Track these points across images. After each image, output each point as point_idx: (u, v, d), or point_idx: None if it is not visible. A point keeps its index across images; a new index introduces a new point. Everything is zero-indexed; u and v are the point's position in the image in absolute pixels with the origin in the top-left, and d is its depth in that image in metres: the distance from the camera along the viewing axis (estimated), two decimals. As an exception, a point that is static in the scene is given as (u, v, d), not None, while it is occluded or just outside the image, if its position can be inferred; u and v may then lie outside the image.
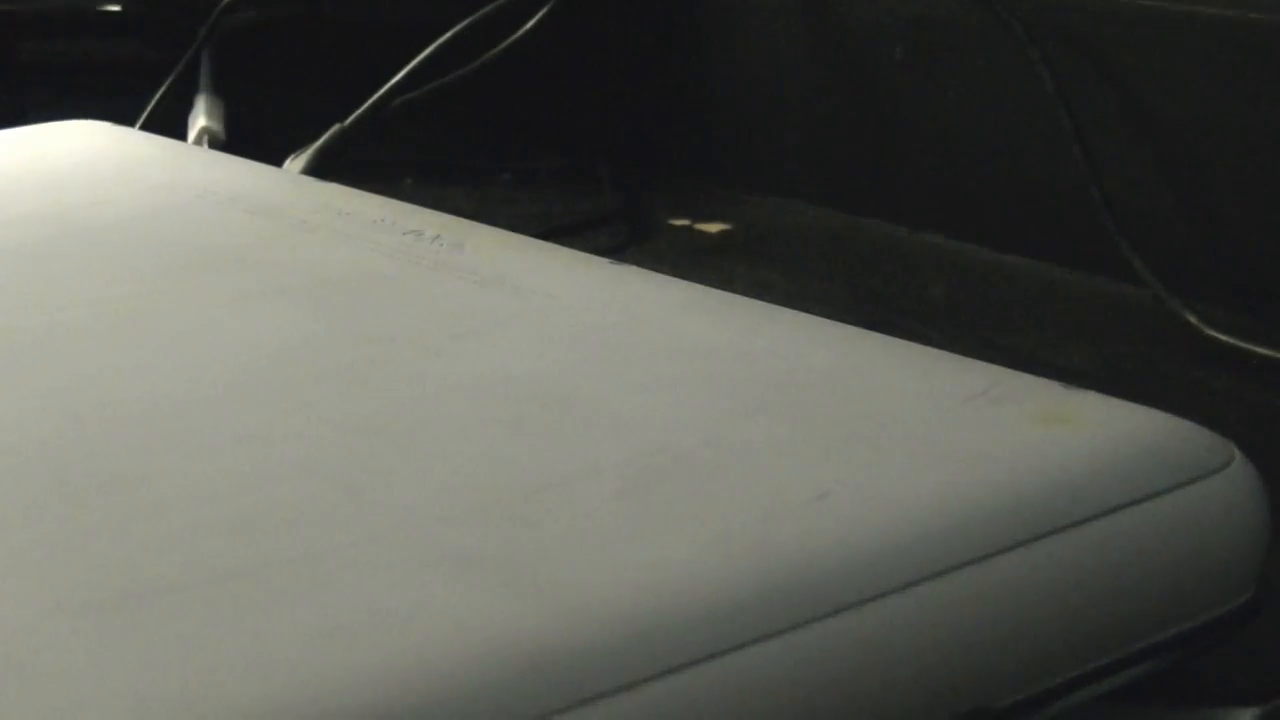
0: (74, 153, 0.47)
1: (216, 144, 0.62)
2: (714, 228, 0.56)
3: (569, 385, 0.27)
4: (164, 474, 0.24)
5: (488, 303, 0.31)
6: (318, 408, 0.27)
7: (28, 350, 0.30)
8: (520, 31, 0.56)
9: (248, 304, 0.32)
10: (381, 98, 0.54)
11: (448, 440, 0.25)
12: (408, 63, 0.56)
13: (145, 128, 0.58)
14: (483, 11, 0.55)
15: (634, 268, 0.34)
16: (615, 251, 0.52)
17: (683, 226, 0.56)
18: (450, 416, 0.26)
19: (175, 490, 0.23)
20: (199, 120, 0.64)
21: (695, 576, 0.21)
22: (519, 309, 0.31)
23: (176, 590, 0.20)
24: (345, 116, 0.55)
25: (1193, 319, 0.44)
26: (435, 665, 0.19)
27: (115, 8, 0.84)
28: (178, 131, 0.62)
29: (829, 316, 0.31)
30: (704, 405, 0.27)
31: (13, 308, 0.32)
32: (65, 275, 0.34)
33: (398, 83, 0.55)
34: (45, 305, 0.32)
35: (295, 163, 0.54)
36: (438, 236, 0.35)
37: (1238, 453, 0.25)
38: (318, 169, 0.53)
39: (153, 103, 0.65)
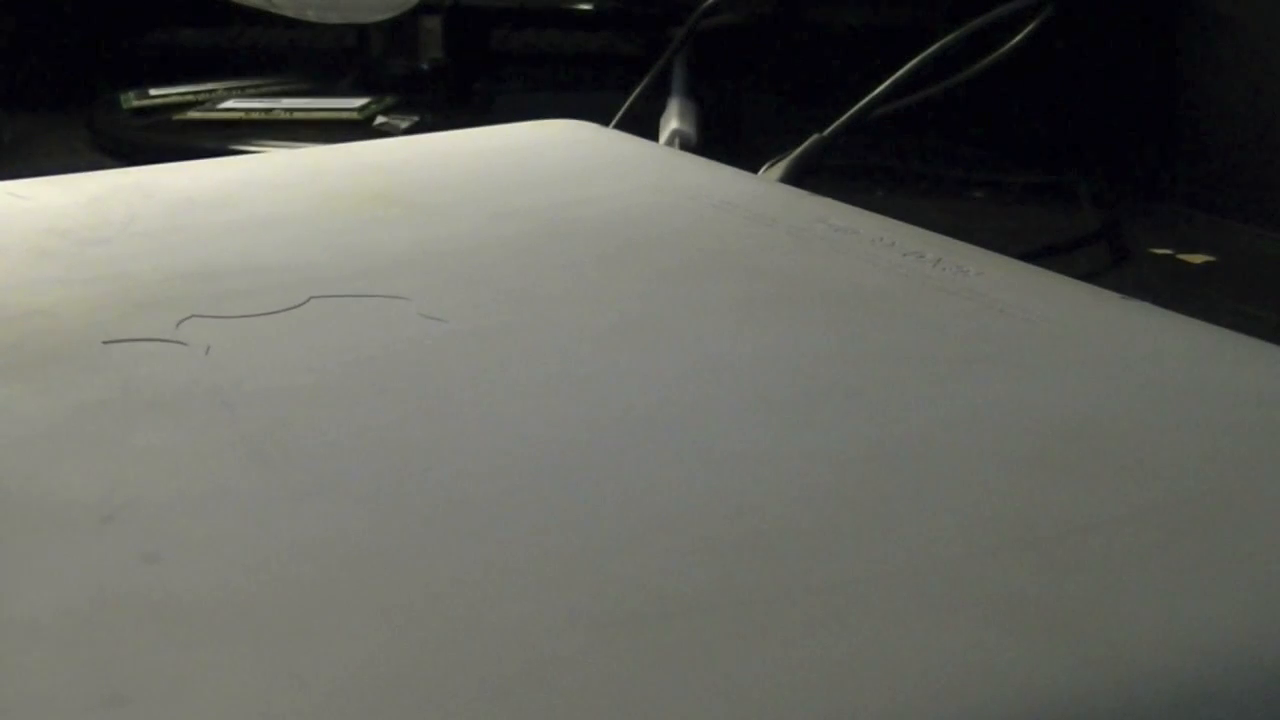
0: (560, 151, 0.48)
1: (688, 147, 0.63)
2: (1197, 259, 0.53)
3: (1089, 421, 0.26)
4: (673, 486, 0.24)
5: (998, 330, 0.31)
6: (829, 427, 0.26)
7: (527, 349, 0.30)
8: (1008, 46, 0.54)
9: (751, 313, 0.32)
10: (862, 108, 0.54)
11: (968, 470, 0.25)
12: (884, 67, 0.55)
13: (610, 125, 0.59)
14: (971, 26, 0.54)
15: (1146, 304, 0.32)
16: (1093, 277, 0.50)
17: (1165, 255, 0.53)
18: (968, 445, 0.26)
19: (688, 504, 0.23)
20: (671, 122, 0.66)
21: (1243, 645, 0.20)
22: (1031, 338, 0.30)
23: (694, 612, 0.20)
24: (814, 121, 0.55)
25: None
26: (967, 711, 0.18)
27: (587, 6, 0.87)
28: (643, 129, 0.63)
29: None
30: (1233, 452, 0.25)
31: (510, 304, 0.33)
32: (562, 274, 0.35)
33: (880, 93, 0.54)
34: (543, 303, 0.33)
35: (771, 170, 0.54)
36: (940, 260, 0.34)
37: None
38: (794, 178, 0.53)
39: (628, 102, 0.67)
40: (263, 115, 0.73)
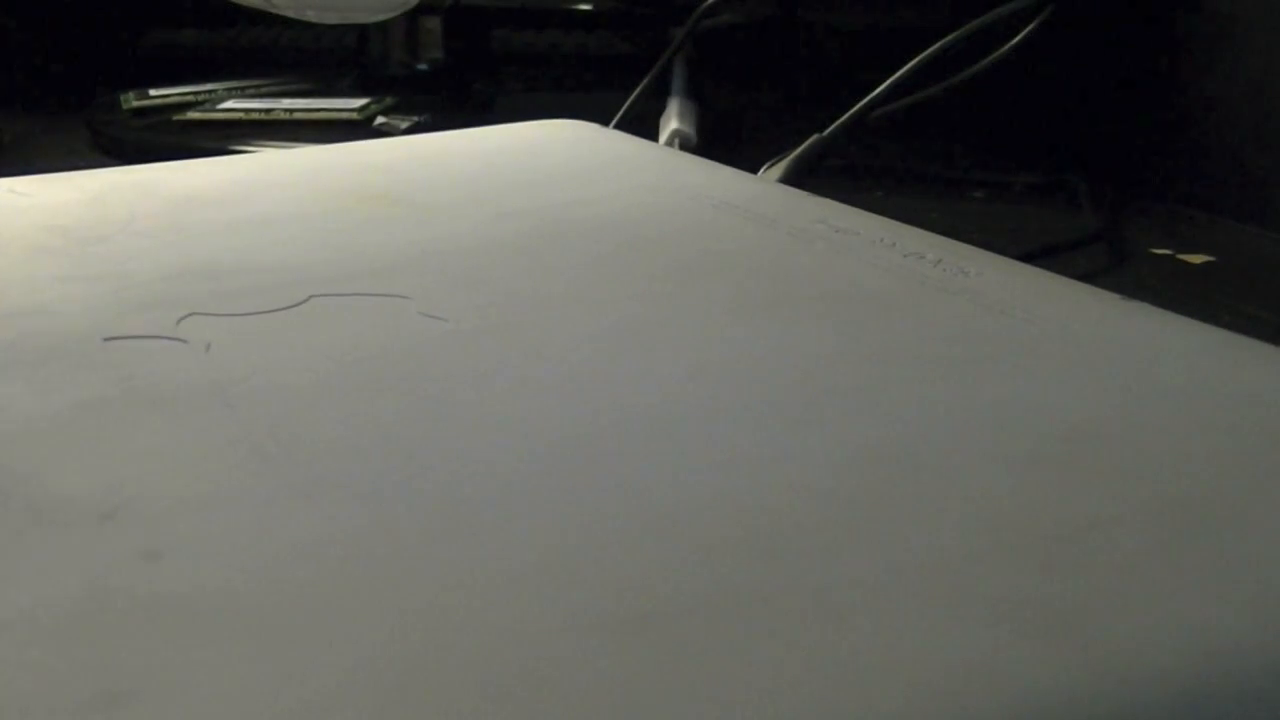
0: (560, 151, 0.48)
1: (687, 147, 0.63)
2: (1197, 259, 0.53)
3: (1089, 421, 0.26)
4: (673, 486, 0.24)
5: (998, 331, 0.31)
6: (829, 428, 0.26)
7: (527, 349, 0.30)
8: (1008, 46, 0.54)
9: (750, 314, 0.32)
10: (862, 108, 0.54)
11: (968, 470, 0.25)
12: (884, 67, 0.55)
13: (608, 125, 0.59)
14: (971, 26, 0.54)
15: (1146, 304, 0.32)
16: (1093, 277, 0.50)
17: (1164, 256, 0.53)
18: (968, 445, 0.25)
19: (688, 504, 0.23)
20: (671, 122, 0.66)
21: (1243, 646, 0.20)
22: (1031, 338, 0.30)
23: (692, 613, 0.20)
24: (814, 121, 0.55)
25: None
26: (967, 711, 0.18)
27: (587, 6, 0.87)
28: (643, 129, 0.63)
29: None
30: (1233, 452, 0.25)
31: (510, 304, 0.33)
32: (562, 274, 0.35)
33: (880, 93, 0.54)
34: (543, 303, 0.33)
35: (771, 171, 0.54)
36: (940, 260, 0.34)
37: None
38: (794, 178, 0.53)
39: (629, 102, 0.67)
40: (263, 115, 0.73)
